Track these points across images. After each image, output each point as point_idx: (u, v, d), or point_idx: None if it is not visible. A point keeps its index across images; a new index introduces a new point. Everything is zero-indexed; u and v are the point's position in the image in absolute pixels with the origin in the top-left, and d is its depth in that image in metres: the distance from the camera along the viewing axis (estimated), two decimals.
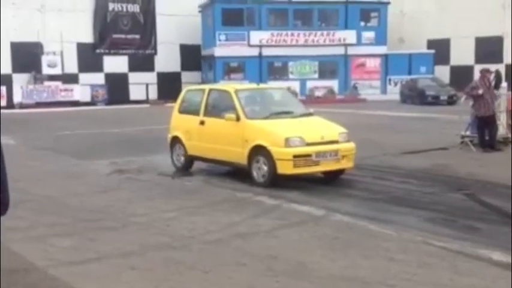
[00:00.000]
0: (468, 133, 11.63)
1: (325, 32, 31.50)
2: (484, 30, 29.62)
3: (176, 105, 9.94)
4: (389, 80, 31.91)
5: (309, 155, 7.73)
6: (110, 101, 29.59)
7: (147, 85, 31.13)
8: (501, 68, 27.07)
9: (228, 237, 5.59)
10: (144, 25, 32.44)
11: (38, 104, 27.91)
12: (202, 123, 9.02)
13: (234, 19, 30.51)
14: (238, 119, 8.32)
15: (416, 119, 18.80)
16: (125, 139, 14.56)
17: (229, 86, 10.19)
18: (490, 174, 8.67)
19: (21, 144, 13.39)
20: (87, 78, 30.34)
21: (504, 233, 5.63)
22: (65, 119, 21.51)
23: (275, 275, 4.51)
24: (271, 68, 31.20)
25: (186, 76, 32.99)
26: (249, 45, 30.76)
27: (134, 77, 31.71)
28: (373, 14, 32.72)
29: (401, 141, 12.55)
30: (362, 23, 32.24)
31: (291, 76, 31.11)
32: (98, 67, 31.08)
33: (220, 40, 30.54)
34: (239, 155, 8.24)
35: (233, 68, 31.12)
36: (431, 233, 5.63)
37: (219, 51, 30.30)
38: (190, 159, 9.41)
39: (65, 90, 29.40)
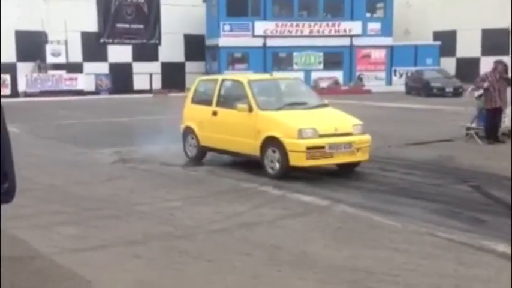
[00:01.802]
0: (474, 125, 11.58)
1: (330, 23, 31.33)
2: (490, 22, 29.39)
3: (189, 95, 9.87)
4: (395, 71, 31.75)
5: (322, 147, 7.62)
6: (113, 91, 29.57)
7: (151, 75, 31.07)
8: (507, 60, 26.87)
9: (232, 226, 5.59)
10: (149, 15, 32.32)
11: (42, 93, 27.92)
12: (214, 113, 8.93)
13: (239, 9, 30.36)
14: (250, 109, 8.21)
15: (421, 111, 18.73)
16: (128, 128, 14.57)
17: (242, 76, 10.06)
18: (495, 166, 8.63)
19: (26, 132, 13.41)
20: (91, 67, 30.30)
21: (508, 225, 5.60)
22: (69, 107, 21.52)
23: (278, 265, 4.51)
24: (275, 59, 31.06)
25: (190, 66, 32.93)
26: (254, 36, 30.63)
27: (138, 67, 31.65)
28: (379, 5, 32.49)
29: (407, 133, 12.51)
30: (368, 14, 32.04)
31: (295, 67, 30.98)
32: (102, 56, 31.02)
33: (224, 30, 30.42)
34: (251, 147, 8.16)
35: (237, 58, 31.01)
36: (436, 224, 5.61)
37: (223, 41, 30.19)
38: (202, 150, 9.34)
39: (69, 79, 29.38)
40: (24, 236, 5.19)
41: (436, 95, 24.99)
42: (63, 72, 29.39)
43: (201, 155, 9.38)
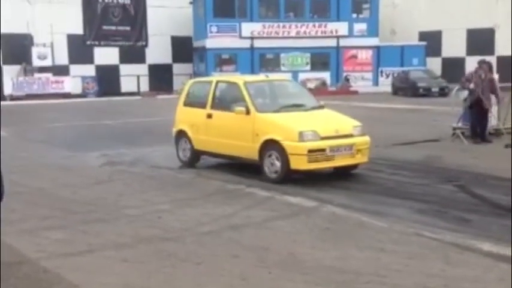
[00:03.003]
0: (460, 125, 11.69)
1: (317, 24, 31.46)
2: (475, 22, 29.71)
3: (181, 97, 9.59)
4: (381, 72, 31.97)
5: (323, 150, 7.47)
6: (101, 93, 29.44)
7: (138, 77, 30.98)
8: (492, 59, 27.19)
9: (221, 229, 5.60)
10: (135, 17, 32.23)
11: (29, 96, 27.71)
12: (209, 116, 8.69)
13: (225, 10, 30.38)
14: (248, 112, 8.01)
15: (408, 111, 18.87)
16: (116, 131, 14.51)
17: (238, 77, 9.81)
18: (481, 165, 8.73)
19: (13, 136, 13.29)
20: (77, 70, 30.14)
21: (494, 224, 5.68)
22: (56, 111, 21.37)
23: (267, 266, 4.53)
24: (263, 60, 31.13)
25: (177, 68, 32.90)
26: (241, 37, 30.66)
27: (125, 69, 31.54)
28: (365, 6, 32.70)
29: (393, 133, 12.59)
30: (354, 15, 32.22)
31: (282, 68, 31.06)
32: (88, 59, 30.87)
33: (211, 32, 30.41)
34: (249, 150, 7.96)
35: (225, 60, 31.03)
36: (422, 224, 5.66)
37: (211, 43, 30.19)
38: (196, 154, 9.09)
39: (56, 82, 29.19)
40: (12, 241, 5.15)
41: (422, 95, 25.20)
42: (49, 75, 29.20)
43: (194, 159, 9.13)
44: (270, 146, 7.70)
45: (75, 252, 4.94)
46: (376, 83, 31.94)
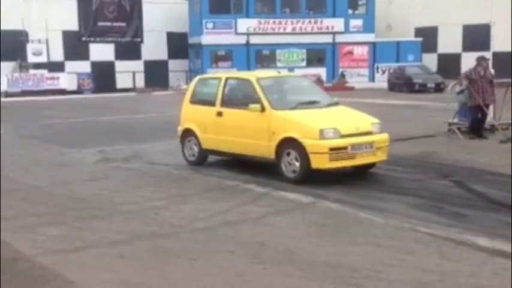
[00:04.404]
0: (455, 120, 11.72)
1: (312, 20, 31.41)
2: (471, 18, 29.73)
3: (187, 95, 9.17)
4: (377, 67, 31.97)
5: (344, 148, 7.22)
6: (96, 89, 29.35)
7: (133, 73, 30.89)
8: (488, 55, 27.27)
9: (216, 225, 5.60)
10: (131, 13, 32.11)
11: (24, 93, 27.59)
12: (219, 114, 8.35)
13: (221, 7, 30.29)
14: (263, 109, 7.72)
15: (404, 107, 18.89)
16: (112, 127, 14.47)
17: (249, 74, 9.43)
18: (476, 161, 8.76)
19: (8, 132, 13.24)
20: (73, 66, 30.03)
21: (490, 219, 5.71)
22: (51, 107, 21.29)
23: (263, 262, 4.53)
24: (258, 56, 31.08)
25: (173, 64, 32.82)
26: (236, 33, 30.59)
27: (121, 65, 31.44)
28: (360, 2, 32.67)
29: (389, 129, 12.51)
30: (350, 11, 32.18)
31: (278, 64, 30.99)
32: (83, 55, 30.76)
33: (207, 28, 30.33)
34: (265, 149, 7.68)
35: (220, 56, 30.96)
36: (418, 219, 5.68)
37: (206, 39, 30.11)
38: (204, 153, 8.76)
39: (51, 78, 29.08)
40: (8, 238, 5.14)
41: (418, 91, 25.24)
42: (44, 72, 29.08)
43: (202, 159, 8.79)
44: (288, 144, 7.41)
45: (71, 248, 4.93)
46: (372, 79, 31.94)
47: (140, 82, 31.37)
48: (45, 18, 28.17)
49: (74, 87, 29.38)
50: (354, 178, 7.78)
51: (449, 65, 29.11)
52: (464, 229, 5.33)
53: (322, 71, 31.44)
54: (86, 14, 30.97)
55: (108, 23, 31.57)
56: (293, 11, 31.91)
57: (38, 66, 29.15)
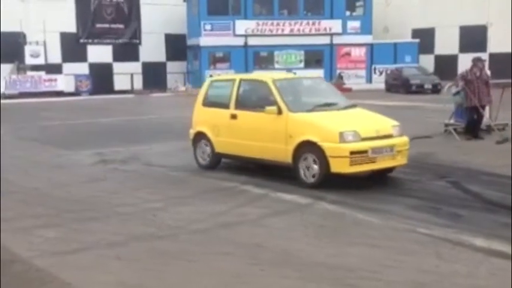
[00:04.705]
0: (452, 121, 11.75)
1: (310, 21, 31.47)
2: (468, 19, 29.80)
3: (199, 97, 8.91)
4: (375, 69, 32.04)
5: (365, 151, 6.99)
6: (94, 91, 29.34)
7: (131, 75, 30.89)
8: (485, 56, 27.34)
9: (214, 226, 5.60)
10: (129, 14, 32.13)
11: (22, 94, 27.58)
12: (233, 117, 8.13)
13: (219, 8, 30.34)
14: (280, 112, 7.50)
15: (401, 108, 18.92)
16: (109, 129, 14.47)
17: (265, 75, 9.18)
18: (473, 161, 8.78)
19: (7, 134, 13.22)
20: (71, 68, 30.02)
21: (486, 220, 5.72)
22: (49, 109, 21.27)
23: (261, 264, 4.53)
24: (256, 58, 31.12)
25: (171, 66, 32.83)
26: (235, 35, 30.64)
27: (119, 67, 31.44)
28: (358, 4, 32.74)
29: None
30: (347, 12, 32.26)
31: (276, 66, 31.06)
32: (81, 57, 30.76)
33: (205, 30, 30.37)
34: (282, 153, 7.46)
35: (219, 57, 30.99)
36: (416, 220, 5.69)
37: (205, 41, 30.14)
38: (217, 157, 8.53)
39: (49, 80, 29.07)
40: (5, 240, 5.13)
41: (415, 92, 25.31)
42: (42, 73, 29.08)
43: (215, 163, 8.57)
44: (306, 148, 7.18)
45: (68, 250, 4.93)
46: (369, 80, 32.00)
47: (138, 84, 31.36)
48: (43, 20, 28.17)
49: (72, 89, 29.37)
50: (351, 179, 7.78)
51: (446, 66, 29.19)
52: (462, 230, 5.34)
53: (320, 73, 31.46)
54: (84, 16, 30.97)
55: (106, 25, 31.58)
56: (291, 13, 31.97)
57: (35, 68, 29.14)
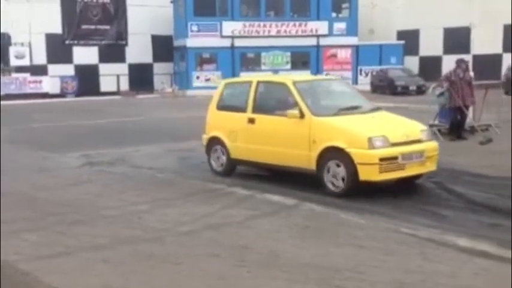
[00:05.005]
0: (436, 122, 11.87)
1: (297, 23, 31.56)
2: (452, 21, 30.13)
3: (213, 100, 8.52)
4: (360, 70, 32.21)
5: (395, 158, 6.64)
6: (80, 93, 29.13)
7: (118, 76, 30.73)
8: (468, 58, 27.66)
9: (201, 228, 5.60)
10: (115, 15, 31.95)
11: (6, 96, 27.25)
12: (251, 121, 7.77)
13: (206, 9, 30.29)
14: (302, 116, 7.13)
15: (386, 109, 18.99)
16: (96, 131, 14.39)
17: (284, 77, 8.78)
18: (457, 162, 8.88)
19: None
20: (56, 69, 29.77)
21: (470, 220, 5.80)
22: (34, 111, 21.08)
23: (247, 265, 4.55)
24: (243, 59, 31.13)
25: (158, 67, 32.72)
26: (221, 36, 30.61)
27: (105, 68, 31.25)
28: (344, 5, 32.91)
29: None
30: (334, 14, 32.40)
31: (263, 67, 31.09)
32: (67, 58, 30.52)
33: (192, 31, 30.30)
34: (304, 159, 7.11)
35: (206, 59, 30.95)
36: (400, 220, 5.75)
37: (191, 42, 30.08)
38: (233, 164, 8.16)
39: (34, 82, 28.79)
40: None
41: (400, 93, 25.54)
42: (27, 75, 28.79)
43: (230, 169, 8.21)
44: (332, 154, 6.82)
45: (54, 254, 4.90)
46: (355, 81, 32.13)
47: (125, 85, 31.20)
48: (28, 21, 27.91)
49: (57, 90, 29.13)
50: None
51: (430, 67, 29.47)
52: (446, 230, 5.41)
53: (306, 74, 31.59)
54: (70, 17, 30.75)
55: (92, 26, 31.38)
56: (277, 14, 32.03)
57: (20, 69, 28.85)
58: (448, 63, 18.26)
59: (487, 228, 5.51)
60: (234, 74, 30.56)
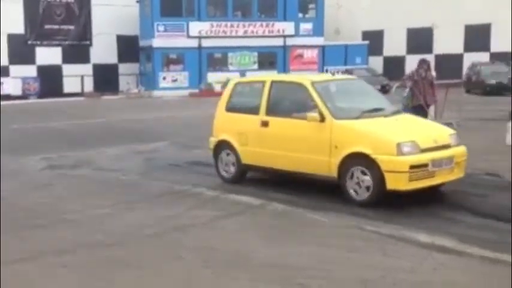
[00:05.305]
0: None
1: (264, 23, 31.66)
2: (415, 21, 30.77)
3: (222, 101, 7.94)
4: (326, 70, 32.42)
5: (425, 165, 6.14)
6: (42, 94, 28.52)
7: (82, 77, 30.20)
8: (431, 58, 28.29)
9: (165, 230, 5.56)
10: (79, 15, 31.38)
11: None
12: (265, 124, 7.22)
13: (173, 9, 30.07)
14: (322, 119, 6.62)
15: None
16: (59, 133, 14.10)
17: (301, 77, 7.99)
18: None
19: None
20: (18, 70, 29.07)
21: (430, 215, 5.93)
22: None
23: (212, 267, 4.55)
24: (210, 59, 31.05)
25: (123, 68, 32.29)
26: (188, 37, 30.44)
27: (68, 69, 30.65)
28: (310, 6, 33.20)
29: None
30: (300, 15, 32.66)
31: (230, 67, 31.08)
32: (29, 59, 29.82)
33: (158, 31, 30.03)
34: (324, 166, 6.61)
35: (172, 59, 30.73)
36: (363, 217, 5.83)
37: (158, 42, 29.81)
38: (243, 169, 7.62)
39: None
40: None
41: None
42: None
43: (240, 176, 7.66)
44: (355, 161, 6.32)
45: (14, 259, 4.78)
46: None
47: (89, 86, 30.69)
48: None
49: (19, 92, 28.45)
50: (301, 180, 7.88)
51: (394, 67, 30.04)
52: (407, 226, 5.51)
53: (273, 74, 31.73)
54: (33, 17, 30.05)
55: (56, 26, 30.76)
56: (245, 15, 32.07)
57: None
58: (411, 63, 18.60)
59: (445, 222, 5.64)
60: (201, 75, 30.45)
